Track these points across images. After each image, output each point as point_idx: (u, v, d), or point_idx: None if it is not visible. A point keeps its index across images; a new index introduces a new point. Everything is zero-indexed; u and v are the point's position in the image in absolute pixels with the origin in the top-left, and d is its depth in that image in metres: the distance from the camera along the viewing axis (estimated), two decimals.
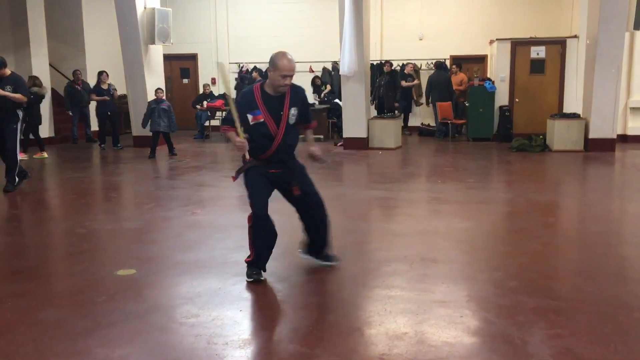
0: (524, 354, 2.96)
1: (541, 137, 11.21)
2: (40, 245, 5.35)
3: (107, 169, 10.10)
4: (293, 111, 3.99)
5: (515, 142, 11.18)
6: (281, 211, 6.38)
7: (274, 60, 3.85)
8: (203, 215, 6.21)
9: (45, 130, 13.03)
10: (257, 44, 15.19)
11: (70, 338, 3.19)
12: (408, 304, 3.64)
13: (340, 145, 11.86)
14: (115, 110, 12.55)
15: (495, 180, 8.74)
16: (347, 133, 11.68)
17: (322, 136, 13.28)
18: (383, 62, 13.98)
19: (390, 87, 13.53)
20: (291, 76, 3.87)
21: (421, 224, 5.80)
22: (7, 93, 7.26)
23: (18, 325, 3.39)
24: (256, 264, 4.09)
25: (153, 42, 12.04)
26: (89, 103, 13.14)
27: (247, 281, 4.06)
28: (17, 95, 7.33)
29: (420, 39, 14.57)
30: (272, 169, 4.03)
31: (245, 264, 4.12)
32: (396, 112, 13.33)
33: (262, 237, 4.04)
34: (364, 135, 11.55)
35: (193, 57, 16.06)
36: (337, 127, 13.40)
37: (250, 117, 3.93)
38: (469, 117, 12.77)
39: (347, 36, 10.97)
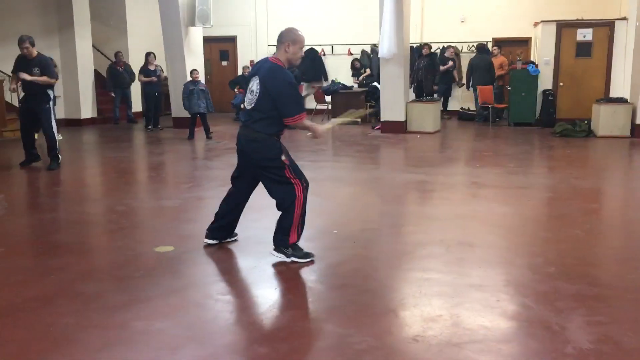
0: (562, 340, 2.89)
1: (586, 122, 10.88)
2: (82, 221, 5.47)
3: (147, 149, 10.27)
4: None
5: (558, 127, 10.89)
6: (317, 192, 6.37)
7: (292, 36, 3.97)
8: None
9: (88, 111, 13.35)
10: (295, 26, 15.11)
11: (109, 311, 3.27)
12: (443, 287, 3.61)
13: (378, 129, 11.78)
14: (161, 91, 12.71)
15: (536, 166, 8.55)
16: (384, 116, 11.56)
17: (359, 119, 13.20)
18: (422, 45, 13.76)
19: (429, 70, 13.33)
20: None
21: (459, 208, 5.72)
22: (35, 78, 7.42)
23: (60, 297, 3.49)
24: (298, 240, 4.07)
25: (193, 24, 12.12)
26: (130, 85, 13.36)
27: (305, 261, 3.99)
28: (44, 78, 7.49)
29: (462, 22, 14.27)
30: None
31: (291, 248, 4.05)
32: (435, 95, 13.14)
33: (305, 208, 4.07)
34: (402, 118, 11.42)
35: (232, 40, 16.12)
36: (375, 111, 13.29)
37: None
38: (511, 101, 12.48)
39: (386, 18, 10.82)
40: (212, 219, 4.45)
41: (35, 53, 7.53)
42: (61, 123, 12.92)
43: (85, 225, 5.38)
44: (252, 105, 3.95)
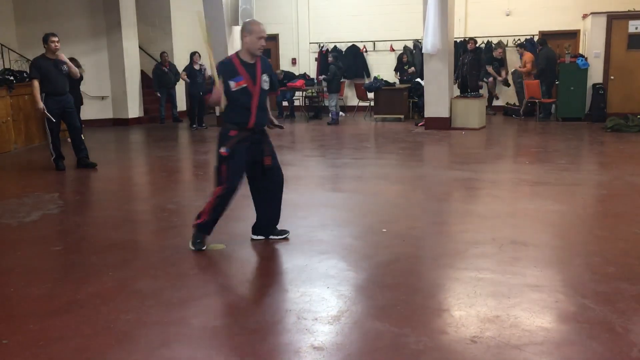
0: (626, 343, 2.81)
1: (639, 116, 10.54)
2: (134, 219, 5.60)
3: (193, 148, 10.42)
4: (265, 77, 4.23)
5: (609, 122, 10.57)
6: (363, 190, 6.35)
7: (248, 26, 4.15)
8: (285, 194, 6.17)
9: (135, 110, 13.63)
10: (337, 23, 15.14)
11: (167, 308, 3.33)
12: (499, 287, 3.54)
13: (421, 125, 11.66)
14: (205, 91, 12.82)
15: (588, 162, 8.32)
16: (428, 113, 11.44)
17: (402, 116, 13.11)
18: (467, 39, 13.55)
19: (474, 65, 13.12)
20: (265, 38, 4.14)
21: (509, 206, 5.61)
22: (70, 65, 7.71)
23: (119, 294, 3.57)
24: (205, 230, 4.35)
25: (237, 24, 12.22)
26: (175, 84, 13.57)
27: (191, 249, 4.32)
28: (75, 69, 7.85)
29: (507, 15, 13.98)
30: (254, 135, 4.26)
31: (195, 227, 4.36)
32: (482, 90, 12.94)
33: (222, 209, 4.31)
34: (446, 114, 11.28)
35: (274, 38, 16.17)
36: (418, 107, 13.18)
37: (232, 83, 4.15)
38: (559, 96, 12.17)
39: (430, 13, 10.70)
40: None
41: None
42: (109, 122, 13.28)
43: (138, 223, 5.50)
44: None
